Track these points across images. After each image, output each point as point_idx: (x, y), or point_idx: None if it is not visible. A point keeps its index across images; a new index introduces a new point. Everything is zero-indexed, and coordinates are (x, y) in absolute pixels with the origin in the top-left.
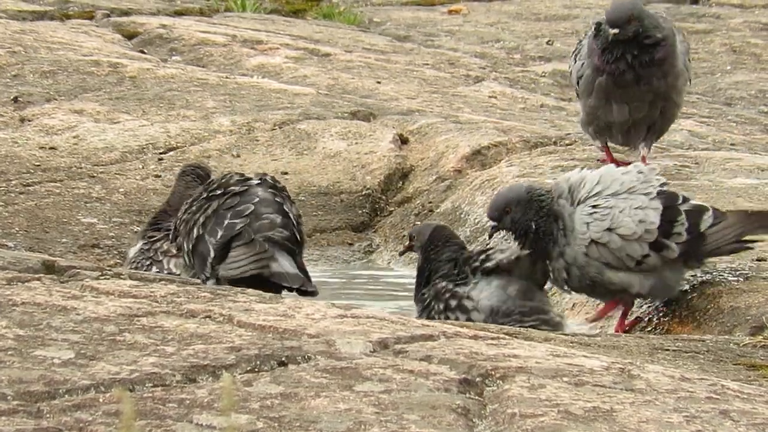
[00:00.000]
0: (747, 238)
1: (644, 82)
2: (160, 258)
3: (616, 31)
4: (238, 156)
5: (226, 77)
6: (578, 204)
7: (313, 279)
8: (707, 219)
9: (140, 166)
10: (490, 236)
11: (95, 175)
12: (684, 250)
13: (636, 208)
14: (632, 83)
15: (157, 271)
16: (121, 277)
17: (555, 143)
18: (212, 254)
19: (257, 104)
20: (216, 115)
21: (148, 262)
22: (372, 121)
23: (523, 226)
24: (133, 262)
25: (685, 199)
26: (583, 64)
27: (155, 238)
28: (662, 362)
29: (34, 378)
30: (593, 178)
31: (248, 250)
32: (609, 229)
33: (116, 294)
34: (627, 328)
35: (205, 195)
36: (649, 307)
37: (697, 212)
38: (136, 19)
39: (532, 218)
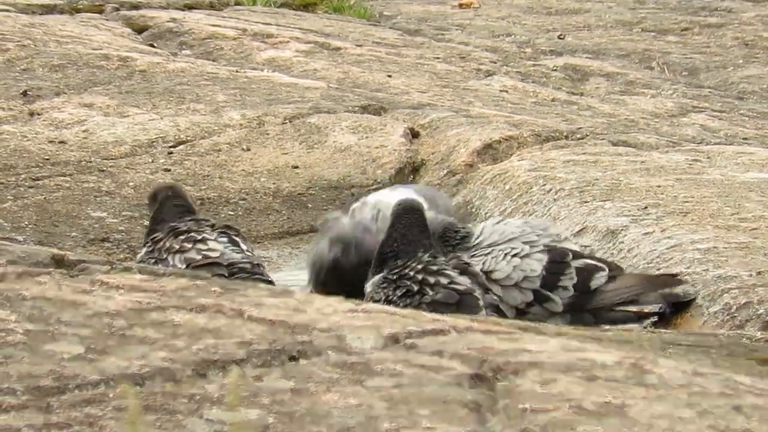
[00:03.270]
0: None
1: None
2: (165, 256)
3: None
4: (249, 150)
5: (237, 71)
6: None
7: None
8: (600, 277)
9: (150, 160)
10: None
11: (105, 168)
12: (571, 304)
13: (514, 255)
14: None
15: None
16: (131, 271)
17: (566, 137)
18: None
19: (267, 98)
20: (226, 108)
21: (152, 261)
22: (383, 115)
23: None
24: (141, 262)
25: (578, 255)
26: None
27: (158, 238)
28: (674, 357)
29: (43, 373)
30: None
31: None
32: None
33: (126, 288)
34: None
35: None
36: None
37: (590, 270)
38: (146, 12)
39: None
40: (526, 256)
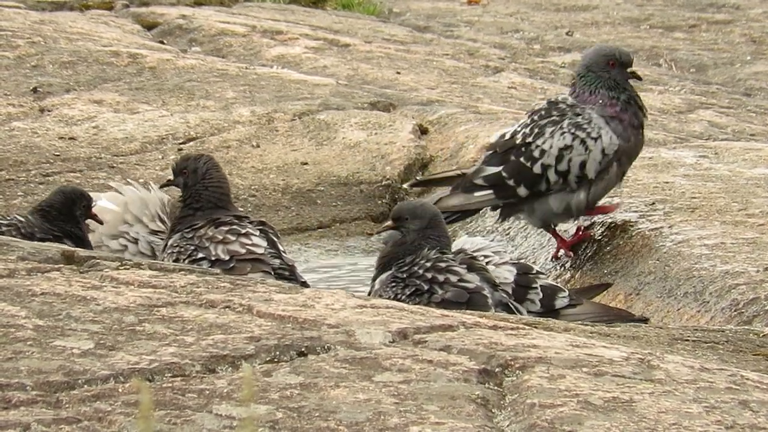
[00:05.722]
0: None
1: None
2: (206, 244)
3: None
4: (258, 146)
5: (246, 68)
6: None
7: (331, 270)
8: (562, 298)
9: (160, 157)
10: (380, 232)
11: (115, 165)
12: None
13: (488, 263)
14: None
15: (203, 257)
16: (141, 267)
17: None
18: None
19: (277, 94)
20: (236, 105)
21: (192, 248)
22: (392, 112)
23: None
24: (176, 246)
25: (540, 274)
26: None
27: (198, 226)
28: (682, 353)
29: (53, 368)
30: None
31: None
32: None
33: (136, 284)
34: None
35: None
36: (668, 297)
37: (552, 289)
38: (156, 9)
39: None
40: (498, 265)
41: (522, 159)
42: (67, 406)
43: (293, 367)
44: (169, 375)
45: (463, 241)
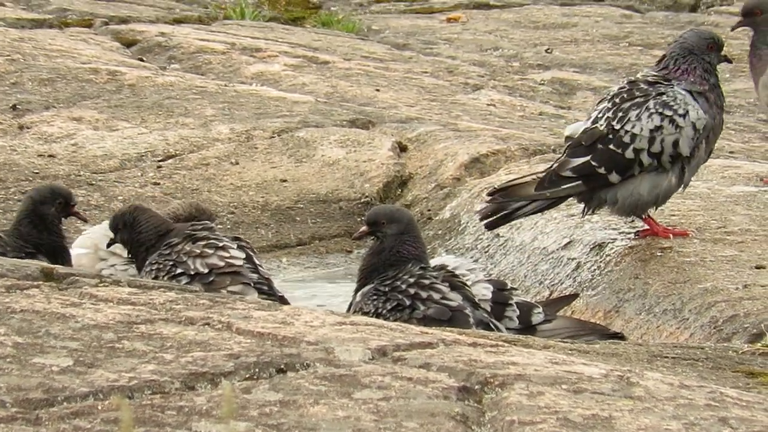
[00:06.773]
0: None
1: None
2: (184, 259)
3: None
4: (237, 163)
5: (225, 85)
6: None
7: (311, 287)
8: (537, 314)
9: (139, 174)
10: (356, 238)
11: (94, 182)
12: None
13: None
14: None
15: (182, 272)
16: (120, 284)
17: (554, 151)
18: None
19: (256, 112)
20: (215, 122)
21: (170, 264)
22: (371, 129)
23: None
24: (154, 263)
25: (513, 290)
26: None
27: (175, 242)
28: (661, 369)
29: (32, 385)
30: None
31: None
32: None
33: (115, 301)
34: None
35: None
36: (648, 314)
37: (527, 306)
38: (135, 26)
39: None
40: (474, 283)
41: (612, 146)
42: (46, 423)
43: (272, 384)
44: (149, 392)
45: (437, 260)
